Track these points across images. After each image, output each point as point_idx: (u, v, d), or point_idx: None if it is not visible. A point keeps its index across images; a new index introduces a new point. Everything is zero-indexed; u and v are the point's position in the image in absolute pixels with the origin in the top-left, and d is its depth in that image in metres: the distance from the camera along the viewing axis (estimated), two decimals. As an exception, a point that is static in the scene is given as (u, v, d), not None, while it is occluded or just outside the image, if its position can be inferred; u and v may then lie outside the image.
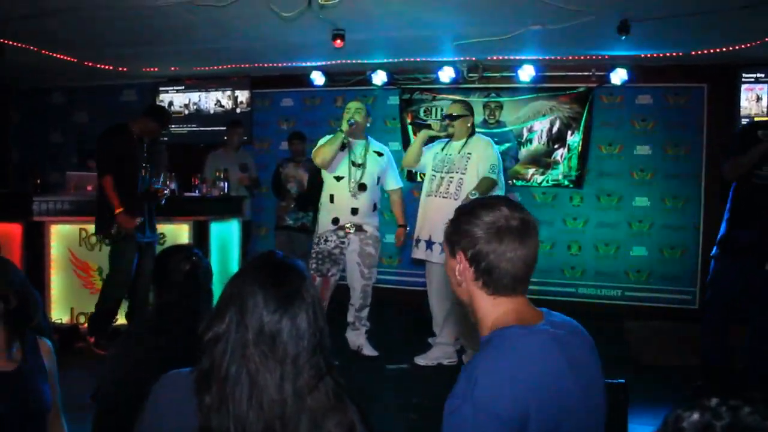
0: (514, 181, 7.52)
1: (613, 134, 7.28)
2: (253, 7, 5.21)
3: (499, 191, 4.94)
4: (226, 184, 6.57)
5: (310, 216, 6.89)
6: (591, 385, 1.57)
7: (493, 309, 1.61)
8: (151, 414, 1.51)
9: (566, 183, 7.36)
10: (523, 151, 7.51)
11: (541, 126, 7.44)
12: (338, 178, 5.21)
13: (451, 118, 5.07)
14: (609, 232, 7.20)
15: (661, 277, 7.14)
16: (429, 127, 5.06)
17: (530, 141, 7.47)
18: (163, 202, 5.66)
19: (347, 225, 5.14)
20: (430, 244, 4.95)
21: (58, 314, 5.77)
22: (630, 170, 7.24)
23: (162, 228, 6.00)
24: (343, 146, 5.18)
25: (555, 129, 7.39)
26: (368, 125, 5.36)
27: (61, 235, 5.67)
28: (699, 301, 6.96)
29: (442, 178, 4.96)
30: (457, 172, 4.92)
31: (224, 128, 7.82)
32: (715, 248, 4.68)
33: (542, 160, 7.45)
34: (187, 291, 2.49)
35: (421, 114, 7.73)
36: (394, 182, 5.44)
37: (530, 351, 1.51)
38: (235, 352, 1.39)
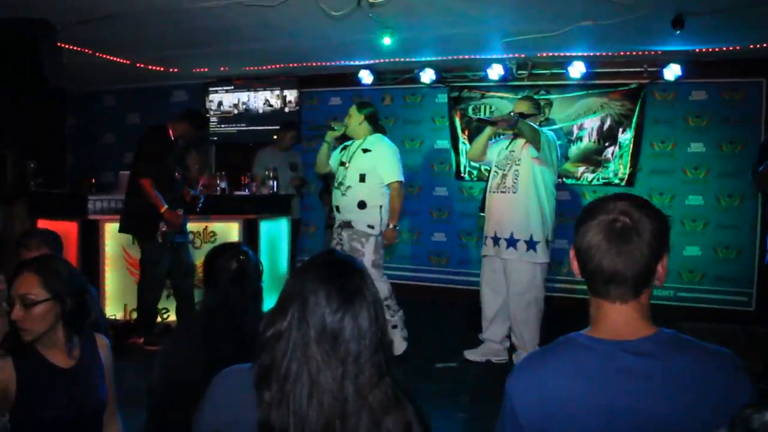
0: (564, 179, 7.42)
1: (665, 131, 7.13)
2: (303, 6, 5.24)
3: (550, 175, 4.94)
4: (275, 182, 6.62)
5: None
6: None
7: (595, 313, 1.51)
8: (211, 406, 1.52)
9: (617, 181, 7.23)
10: (573, 149, 7.41)
11: (591, 123, 7.32)
12: (332, 179, 5.52)
13: (521, 116, 4.93)
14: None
15: (715, 277, 6.96)
16: (494, 123, 4.97)
17: (580, 139, 7.36)
18: (198, 208, 5.78)
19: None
20: (496, 240, 4.96)
21: (112, 310, 5.90)
22: (683, 168, 7.08)
23: (212, 226, 6.10)
24: (344, 148, 5.42)
25: (606, 126, 7.26)
26: (360, 124, 5.27)
27: (114, 233, 5.78)
28: (756, 302, 6.78)
29: (504, 174, 4.94)
30: (514, 165, 4.91)
31: (273, 127, 7.93)
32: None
33: (593, 158, 7.34)
34: (235, 291, 2.50)
35: (470, 112, 7.68)
36: (386, 176, 5.23)
37: (576, 366, 1.46)
38: (296, 349, 1.39)
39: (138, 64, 7.76)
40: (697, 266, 7.03)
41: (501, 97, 7.59)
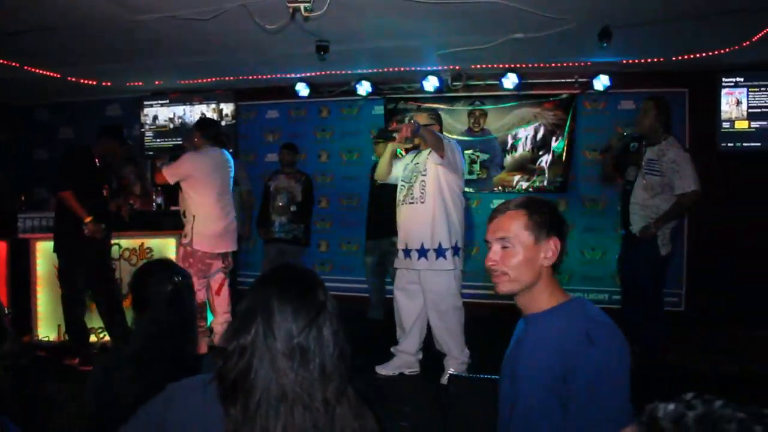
0: (500, 188, 7.56)
1: (597, 139, 7.32)
2: (237, 20, 5.23)
3: (457, 181, 4.79)
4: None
5: (302, 227, 6.89)
6: None
7: (553, 285, 1.94)
8: (173, 425, 1.50)
9: (551, 189, 7.40)
10: (508, 159, 7.56)
11: (525, 133, 7.49)
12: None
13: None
14: (594, 236, 7.24)
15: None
16: (393, 133, 4.76)
17: (515, 148, 7.52)
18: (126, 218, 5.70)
19: None
20: (407, 252, 4.83)
21: (45, 332, 5.74)
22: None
23: (149, 242, 6.00)
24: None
25: (539, 136, 7.44)
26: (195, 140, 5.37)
27: (47, 252, 5.63)
28: (685, 302, 7.02)
29: (410, 186, 4.83)
30: (420, 176, 4.77)
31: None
32: None
33: (527, 167, 7.50)
34: (171, 314, 2.39)
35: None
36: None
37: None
38: (262, 364, 1.40)
39: (69, 78, 7.58)
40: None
41: (436, 108, 7.68)
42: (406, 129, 4.52)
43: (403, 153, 5.10)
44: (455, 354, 4.76)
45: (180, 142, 5.41)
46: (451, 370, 4.70)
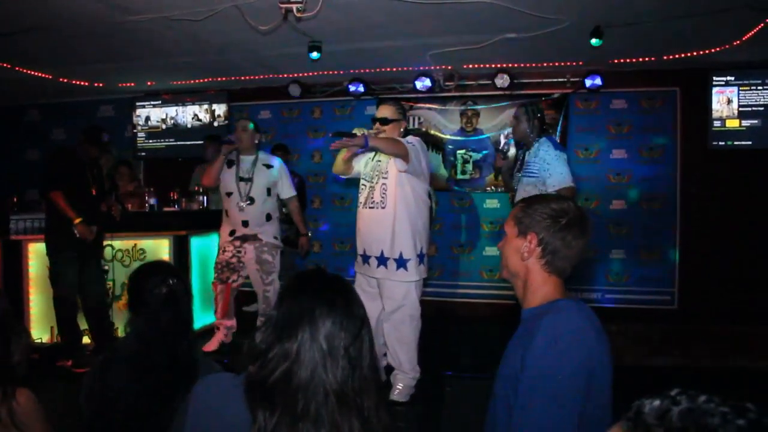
0: (493, 188, 7.58)
1: (589, 139, 7.38)
2: (229, 20, 5.23)
3: (421, 184, 4.47)
4: (205, 198, 6.56)
5: (295, 229, 6.88)
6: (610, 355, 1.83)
7: (544, 285, 1.93)
8: (195, 419, 1.54)
9: (544, 188, 7.41)
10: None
11: (518, 132, 7.49)
12: (229, 194, 5.47)
13: (383, 122, 4.50)
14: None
15: (639, 278, 7.22)
16: (353, 135, 4.30)
17: (508, 148, 7.53)
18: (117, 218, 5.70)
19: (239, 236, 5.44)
20: (366, 258, 4.53)
21: (38, 333, 5.71)
22: (607, 174, 7.33)
23: (141, 243, 5.98)
24: (231, 163, 5.47)
25: (532, 135, 7.44)
26: (257, 141, 5.57)
27: (39, 253, 5.60)
28: (678, 300, 7.06)
29: (372, 187, 4.49)
30: (381, 179, 4.45)
31: (202, 142, 7.72)
32: None
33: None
34: (167, 317, 2.38)
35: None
36: (287, 191, 5.64)
37: (581, 320, 1.81)
38: (306, 370, 1.43)
39: (61, 79, 7.56)
40: (622, 268, 7.27)
41: (429, 108, 7.71)
42: (353, 145, 4.25)
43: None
44: (406, 368, 4.45)
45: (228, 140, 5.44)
46: (399, 386, 4.43)
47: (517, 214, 1.97)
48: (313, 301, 1.50)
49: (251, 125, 5.49)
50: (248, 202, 5.38)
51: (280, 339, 1.46)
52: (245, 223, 5.40)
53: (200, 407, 1.54)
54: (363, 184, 4.59)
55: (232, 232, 5.47)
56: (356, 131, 4.31)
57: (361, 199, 4.56)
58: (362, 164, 4.64)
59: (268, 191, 5.47)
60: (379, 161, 4.50)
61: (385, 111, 4.55)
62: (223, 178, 5.47)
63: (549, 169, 4.74)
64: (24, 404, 2.06)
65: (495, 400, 1.90)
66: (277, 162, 5.60)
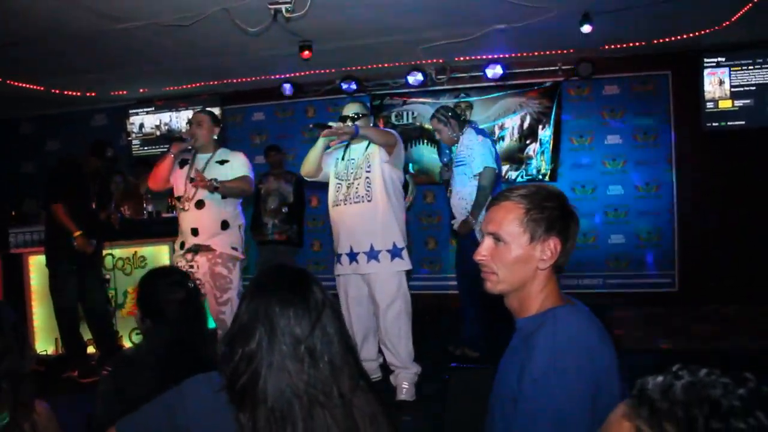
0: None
1: (583, 126, 7.39)
2: (218, 24, 5.23)
3: (399, 174, 4.46)
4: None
5: (295, 228, 6.89)
6: (615, 357, 1.64)
7: (544, 288, 1.70)
8: (184, 416, 1.52)
9: (540, 177, 7.44)
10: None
11: (512, 123, 7.52)
12: (178, 198, 4.64)
13: (354, 118, 4.40)
14: (586, 222, 7.27)
15: (639, 262, 7.24)
16: (330, 127, 4.23)
17: (502, 138, 7.54)
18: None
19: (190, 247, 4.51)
20: (353, 255, 4.38)
21: (43, 345, 5.73)
22: (602, 160, 7.34)
23: (142, 251, 5.99)
24: (185, 163, 4.58)
25: (526, 125, 7.47)
26: (215, 137, 4.66)
27: (40, 265, 5.62)
28: (678, 282, 7.08)
29: (350, 184, 4.38)
30: (363, 173, 4.35)
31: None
32: None
33: (515, 157, 7.53)
34: (188, 320, 2.38)
35: (393, 118, 7.79)
36: (237, 173, 4.62)
37: (581, 327, 1.62)
38: (271, 370, 1.41)
39: (53, 90, 7.56)
40: (622, 253, 7.29)
41: (423, 103, 7.72)
42: (344, 135, 4.23)
43: (330, 145, 4.58)
44: (408, 363, 4.38)
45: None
46: (405, 384, 4.37)
47: (531, 216, 1.67)
48: (268, 299, 1.47)
49: (208, 119, 4.64)
50: (196, 206, 4.48)
51: (241, 342, 1.45)
52: (194, 232, 4.48)
53: (196, 407, 1.51)
54: (338, 183, 4.47)
55: (182, 245, 4.56)
56: (332, 125, 4.27)
57: (339, 197, 4.43)
58: (331, 164, 4.55)
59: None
60: (352, 159, 4.44)
61: (356, 107, 4.51)
62: (174, 181, 4.63)
63: (472, 153, 5.04)
64: (43, 415, 2.03)
65: (493, 420, 1.74)
66: (236, 156, 4.65)
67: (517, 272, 1.69)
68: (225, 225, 4.52)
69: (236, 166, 4.55)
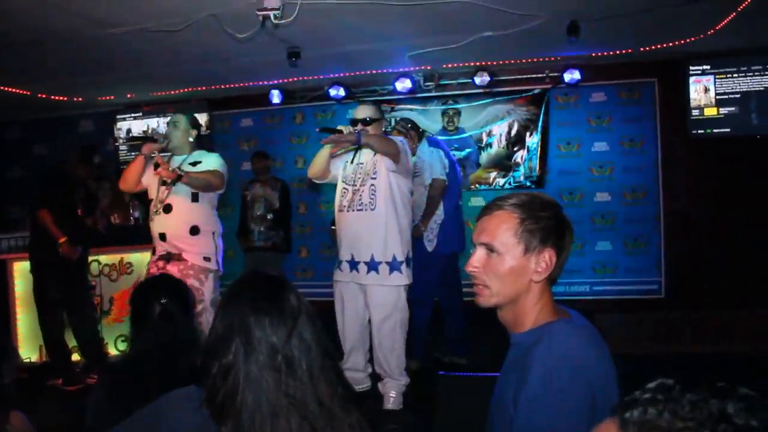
0: (477, 185, 7.61)
1: (570, 133, 7.42)
2: (207, 30, 5.21)
3: (406, 182, 4.41)
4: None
5: (281, 234, 6.86)
6: (613, 370, 1.60)
7: (539, 301, 1.65)
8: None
9: (528, 184, 7.47)
10: (484, 156, 7.61)
11: (499, 129, 7.55)
12: (149, 202, 4.52)
13: (365, 122, 4.34)
14: (574, 229, 7.26)
15: (626, 269, 7.27)
16: (340, 131, 4.19)
17: (490, 145, 7.57)
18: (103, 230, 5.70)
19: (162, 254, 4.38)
20: (354, 264, 4.32)
21: (27, 353, 5.68)
22: (589, 167, 7.38)
23: (128, 257, 5.96)
24: (157, 167, 4.28)
25: (513, 131, 7.50)
26: (191, 139, 4.53)
27: (24, 272, 5.57)
28: (665, 289, 7.12)
29: (356, 190, 4.30)
30: (368, 179, 4.27)
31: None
32: None
33: (503, 163, 7.56)
34: (173, 333, 2.35)
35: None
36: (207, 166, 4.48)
37: (577, 343, 1.56)
38: (249, 381, 1.38)
39: (40, 95, 7.51)
40: (609, 260, 7.32)
41: (411, 110, 7.73)
42: (345, 140, 4.18)
43: (332, 153, 4.50)
44: (396, 375, 4.32)
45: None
46: (392, 393, 4.33)
47: (525, 227, 1.62)
48: (243, 309, 1.44)
49: (184, 120, 4.52)
50: (164, 211, 4.33)
51: (218, 354, 1.41)
52: (162, 237, 4.34)
53: (177, 425, 1.48)
54: (344, 188, 4.39)
55: (154, 251, 4.46)
56: (341, 128, 4.22)
57: (344, 202, 4.36)
58: (339, 167, 4.49)
59: (195, 196, 4.35)
60: (361, 163, 4.36)
61: (367, 111, 4.42)
62: (147, 184, 4.52)
63: (424, 165, 5.24)
64: (18, 426, 2.02)
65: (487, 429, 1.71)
66: (210, 155, 4.55)
67: (511, 284, 1.63)
68: (195, 230, 4.34)
69: (208, 163, 4.43)
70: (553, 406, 1.45)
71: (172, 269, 4.25)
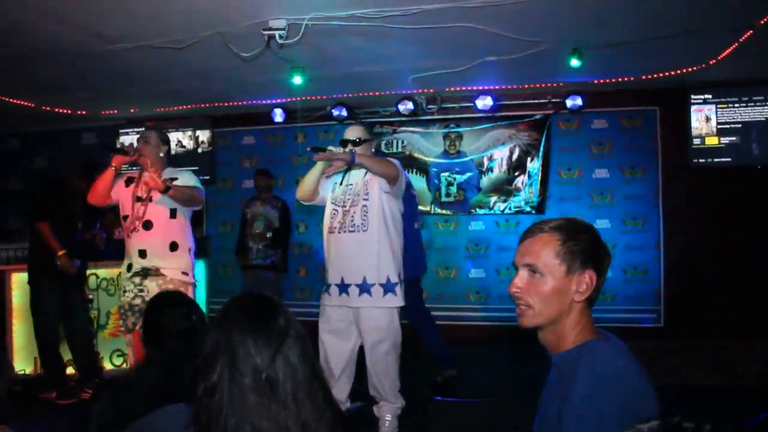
0: (478, 209, 7.61)
1: (571, 159, 7.44)
2: (212, 48, 5.24)
3: (397, 204, 4.31)
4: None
5: (279, 254, 6.85)
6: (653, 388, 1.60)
7: (579, 322, 1.69)
8: None
9: (528, 209, 7.46)
10: (485, 180, 7.61)
11: (500, 154, 7.56)
12: (125, 218, 4.43)
13: (355, 143, 4.27)
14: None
15: (625, 297, 7.25)
16: (330, 151, 4.12)
17: (491, 169, 7.58)
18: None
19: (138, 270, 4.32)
20: (344, 287, 4.18)
21: (22, 365, 5.64)
22: (590, 194, 7.38)
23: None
24: (131, 182, 4.41)
25: (515, 156, 7.51)
26: (161, 155, 4.46)
27: (22, 283, 5.55)
28: (664, 318, 7.09)
29: (346, 211, 4.21)
30: (360, 200, 4.19)
31: (187, 168, 7.62)
32: None
33: (504, 188, 7.56)
34: (184, 355, 2.32)
35: (383, 147, 7.80)
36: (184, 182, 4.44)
37: (619, 361, 1.59)
38: (233, 403, 1.36)
39: (44, 107, 7.54)
40: (608, 288, 7.29)
41: (413, 132, 7.75)
42: (339, 161, 4.08)
43: (325, 172, 4.36)
44: (391, 398, 4.24)
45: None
46: (387, 417, 4.25)
47: (568, 248, 1.66)
48: (230, 329, 1.42)
49: (155, 135, 4.49)
50: (144, 227, 4.30)
51: (204, 374, 1.40)
52: (142, 254, 4.28)
53: None
54: (334, 210, 4.29)
55: (129, 267, 4.37)
56: (331, 149, 4.14)
57: (334, 224, 4.25)
58: (328, 189, 4.40)
59: (173, 213, 4.34)
60: (350, 184, 4.28)
61: (357, 132, 4.36)
62: (120, 200, 4.47)
63: None
64: None
65: None
66: (183, 172, 4.55)
67: (553, 305, 1.67)
68: (174, 246, 4.33)
69: (184, 179, 4.39)
70: (596, 421, 1.47)
71: (151, 285, 4.24)
